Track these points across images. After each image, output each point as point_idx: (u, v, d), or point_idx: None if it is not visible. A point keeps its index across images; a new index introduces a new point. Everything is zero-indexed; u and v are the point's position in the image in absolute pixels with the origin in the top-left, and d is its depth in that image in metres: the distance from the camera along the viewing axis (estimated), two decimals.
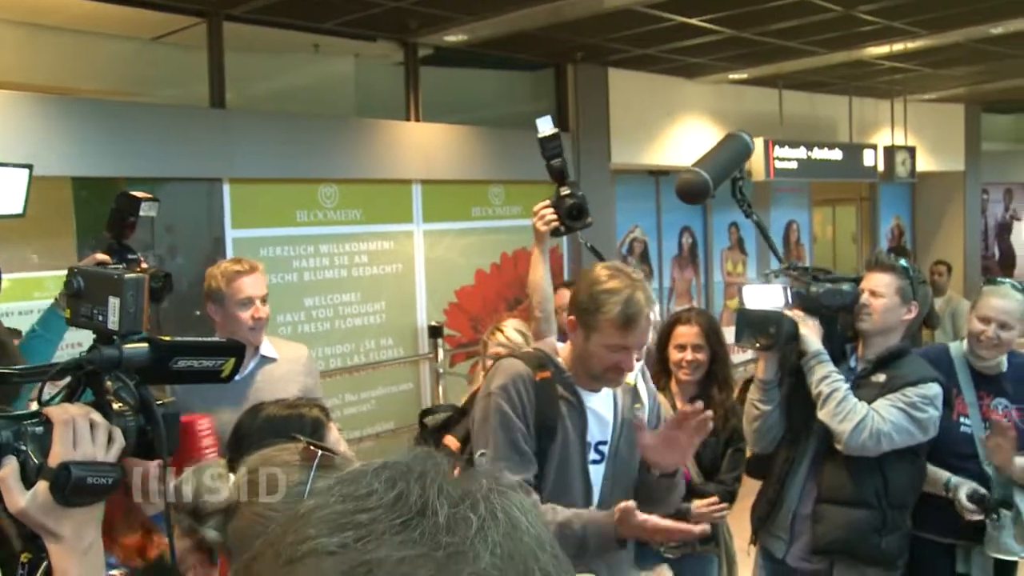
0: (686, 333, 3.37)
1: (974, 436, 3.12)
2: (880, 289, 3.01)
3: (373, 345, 6.65)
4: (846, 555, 2.93)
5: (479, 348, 3.58)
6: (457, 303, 7.44)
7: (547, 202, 3.10)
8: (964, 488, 3.00)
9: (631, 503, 2.12)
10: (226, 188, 6.00)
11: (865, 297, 3.01)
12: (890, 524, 2.92)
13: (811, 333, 2.94)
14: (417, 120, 7.12)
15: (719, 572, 3.49)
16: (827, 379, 2.88)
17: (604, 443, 2.37)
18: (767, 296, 3.02)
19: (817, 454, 3.02)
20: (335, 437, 1.94)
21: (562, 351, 2.42)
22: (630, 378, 2.46)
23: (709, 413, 2.30)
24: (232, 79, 6.09)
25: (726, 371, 3.46)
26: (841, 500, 2.93)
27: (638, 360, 2.44)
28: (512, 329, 3.49)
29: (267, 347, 3.18)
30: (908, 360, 3.02)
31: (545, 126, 3.04)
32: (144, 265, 3.05)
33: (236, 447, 1.93)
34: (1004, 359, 3.18)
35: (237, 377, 2.89)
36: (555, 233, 3.14)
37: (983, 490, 2.98)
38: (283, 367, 3.16)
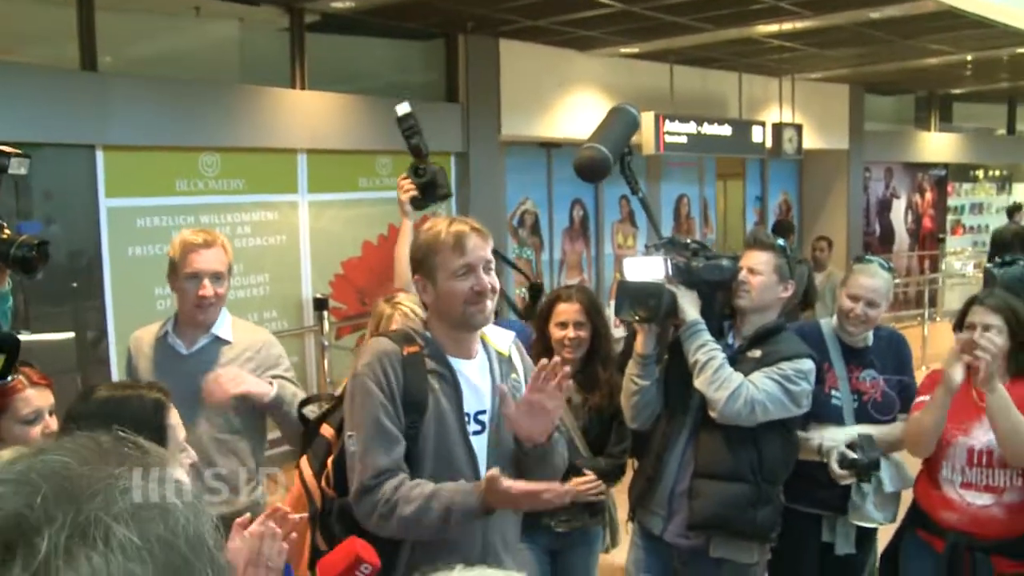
0: (567, 310, 3.36)
1: (843, 408, 3.27)
2: (758, 267, 3.09)
3: (256, 318, 6.60)
4: (722, 530, 3.01)
5: (371, 322, 3.51)
6: (343, 275, 7.44)
7: (405, 174, 3.35)
8: (835, 454, 3.14)
9: (495, 471, 2.12)
10: (100, 155, 5.87)
11: (743, 274, 3.09)
12: (764, 497, 3.00)
13: (689, 304, 3.01)
14: (303, 88, 7.08)
15: (602, 544, 3.56)
16: (703, 347, 2.96)
17: (483, 412, 2.35)
18: (647, 268, 3.04)
19: (694, 429, 3.08)
20: (175, 418, 1.91)
21: (429, 323, 2.42)
22: (503, 347, 2.46)
23: (567, 369, 2.32)
24: (106, 41, 5.94)
25: (608, 347, 3.47)
26: (717, 474, 3.00)
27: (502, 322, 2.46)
28: (411, 303, 3.49)
29: (223, 327, 3.05)
30: (783, 336, 3.12)
31: (402, 108, 3.32)
32: (7, 233, 2.90)
33: (65, 432, 1.86)
34: (871, 333, 3.34)
35: (184, 352, 2.98)
36: (415, 204, 3.35)
37: (852, 454, 3.11)
38: (235, 351, 3.04)
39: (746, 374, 2.95)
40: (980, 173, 16.07)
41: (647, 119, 9.01)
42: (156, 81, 6.26)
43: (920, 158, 14.20)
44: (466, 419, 2.31)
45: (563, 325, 3.35)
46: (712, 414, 2.94)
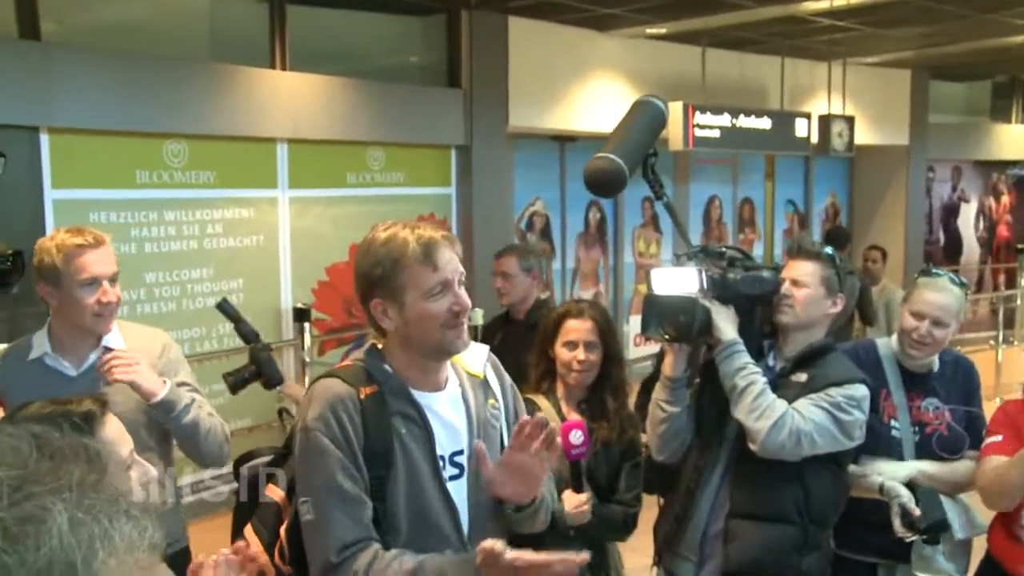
0: (578, 328, 3.34)
1: (903, 441, 3.27)
2: (803, 278, 3.09)
3: (228, 329, 6.71)
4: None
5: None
6: (328, 282, 7.55)
7: None
8: (896, 506, 3.13)
9: (495, 544, 2.00)
10: (44, 139, 5.90)
11: (786, 287, 3.09)
12: (811, 542, 2.99)
13: (725, 321, 3.00)
14: (284, 68, 7.19)
15: None
16: (742, 371, 2.95)
17: (459, 452, 2.28)
18: (678, 281, 3.01)
19: (730, 463, 3.06)
20: (113, 434, 1.92)
21: (388, 353, 2.33)
22: (476, 368, 2.40)
23: (552, 426, 2.26)
24: (51, 6, 5.95)
25: (621, 374, 3.43)
26: (757, 515, 2.99)
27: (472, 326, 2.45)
28: None
29: (114, 336, 3.06)
30: (832, 358, 3.10)
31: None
32: None
33: None
34: (936, 357, 3.34)
35: (73, 373, 3.03)
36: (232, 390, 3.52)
37: (916, 510, 3.10)
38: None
39: (790, 400, 2.95)
40: None
41: (675, 110, 9.11)
42: (112, 56, 6.27)
43: (996, 155, 14.09)
44: (441, 464, 2.25)
45: (572, 345, 3.33)
46: (752, 446, 2.93)
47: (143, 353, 3.02)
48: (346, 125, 7.48)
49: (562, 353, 3.35)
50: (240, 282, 6.97)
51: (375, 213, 7.74)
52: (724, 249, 3.21)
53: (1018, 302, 12.88)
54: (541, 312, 4.51)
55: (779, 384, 3.03)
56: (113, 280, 2.99)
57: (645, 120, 3.00)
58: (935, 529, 3.11)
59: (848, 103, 10.92)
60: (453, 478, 2.27)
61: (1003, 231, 14.66)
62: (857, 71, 11.31)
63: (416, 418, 2.24)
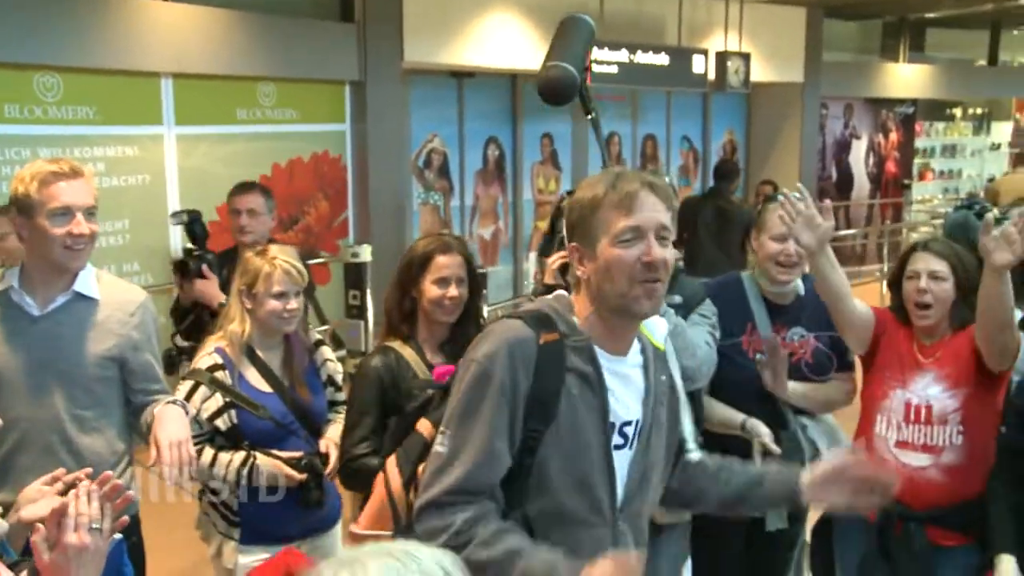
0: (448, 264, 3.22)
1: None
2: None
3: (113, 271, 6.54)
4: None
5: (239, 282, 3.37)
6: (219, 222, 7.38)
7: None
8: (758, 443, 3.30)
9: (622, 557, 1.94)
10: None
11: None
12: None
13: None
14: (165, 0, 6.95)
15: None
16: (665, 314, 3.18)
17: (629, 423, 2.17)
18: None
19: None
20: None
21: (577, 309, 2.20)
22: (659, 339, 2.29)
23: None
24: None
25: (480, 306, 3.38)
26: None
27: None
28: (287, 256, 3.37)
29: (86, 282, 2.94)
30: (685, 280, 3.36)
31: None
32: None
33: None
34: (799, 283, 3.47)
35: (36, 312, 2.88)
36: None
37: (776, 450, 3.26)
38: (104, 312, 2.93)
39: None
40: (956, 111, 16.35)
41: None
42: None
43: (885, 93, 14.41)
44: (610, 431, 2.14)
45: (443, 282, 3.19)
46: (688, 384, 3.04)
47: (114, 307, 2.93)
48: (234, 59, 7.28)
49: (431, 291, 3.16)
50: (125, 223, 6.78)
51: (267, 150, 7.61)
52: None
53: (903, 236, 13.32)
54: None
55: None
56: (89, 214, 2.83)
57: (580, 34, 2.98)
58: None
59: (744, 40, 11.02)
60: (618, 447, 2.15)
61: (891, 167, 15.04)
62: (753, 8, 11.39)
63: (593, 380, 2.10)
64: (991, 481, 3.04)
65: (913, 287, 3.16)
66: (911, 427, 3.17)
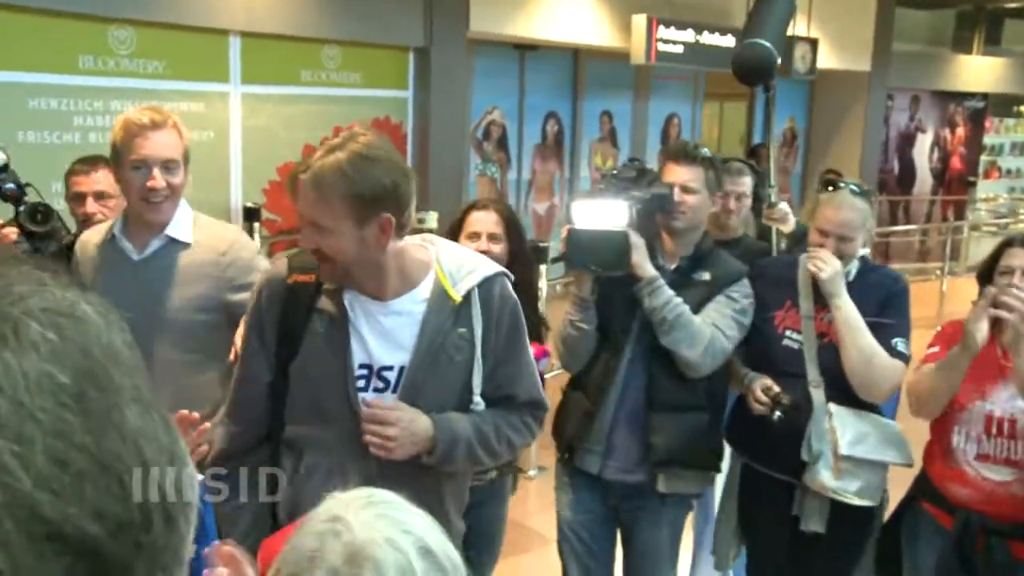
0: (482, 219, 3.31)
1: (803, 353, 3.29)
2: (691, 184, 3.23)
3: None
4: (682, 464, 3.24)
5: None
6: (279, 182, 7.49)
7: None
8: (759, 381, 3.26)
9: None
10: None
11: (678, 194, 3.22)
12: (715, 424, 3.31)
13: (643, 258, 3.11)
14: None
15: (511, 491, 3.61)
16: (669, 305, 3.10)
17: (390, 368, 2.27)
18: (604, 214, 3.05)
19: (635, 356, 3.23)
20: None
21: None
22: (458, 291, 2.30)
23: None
24: None
25: (529, 275, 3.37)
26: (678, 406, 3.21)
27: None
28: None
29: (181, 226, 2.93)
30: (721, 256, 3.36)
31: None
32: None
33: None
34: (853, 268, 3.33)
35: (135, 257, 2.95)
36: None
37: (776, 388, 3.20)
38: (196, 254, 2.91)
39: (699, 300, 3.19)
40: None
41: (638, 22, 9.07)
42: None
43: (955, 86, 14.13)
44: (363, 373, 2.26)
45: (475, 236, 3.27)
46: (688, 372, 3.17)
47: (206, 249, 2.92)
48: (301, 20, 7.34)
49: (464, 244, 3.19)
50: (189, 179, 6.83)
51: (329, 113, 7.67)
52: (628, 162, 3.35)
53: (964, 234, 13.11)
54: None
55: (683, 283, 3.22)
56: (168, 166, 2.85)
57: (784, 7, 2.91)
58: (785, 409, 3.19)
59: (813, 26, 10.89)
60: (377, 390, 2.26)
61: (956, 163, 14.73)
62: None
63: (338, 320, 2.26)
64: None
65: (1006, 284, 2.99)
66: (992, 440, 3.02)
